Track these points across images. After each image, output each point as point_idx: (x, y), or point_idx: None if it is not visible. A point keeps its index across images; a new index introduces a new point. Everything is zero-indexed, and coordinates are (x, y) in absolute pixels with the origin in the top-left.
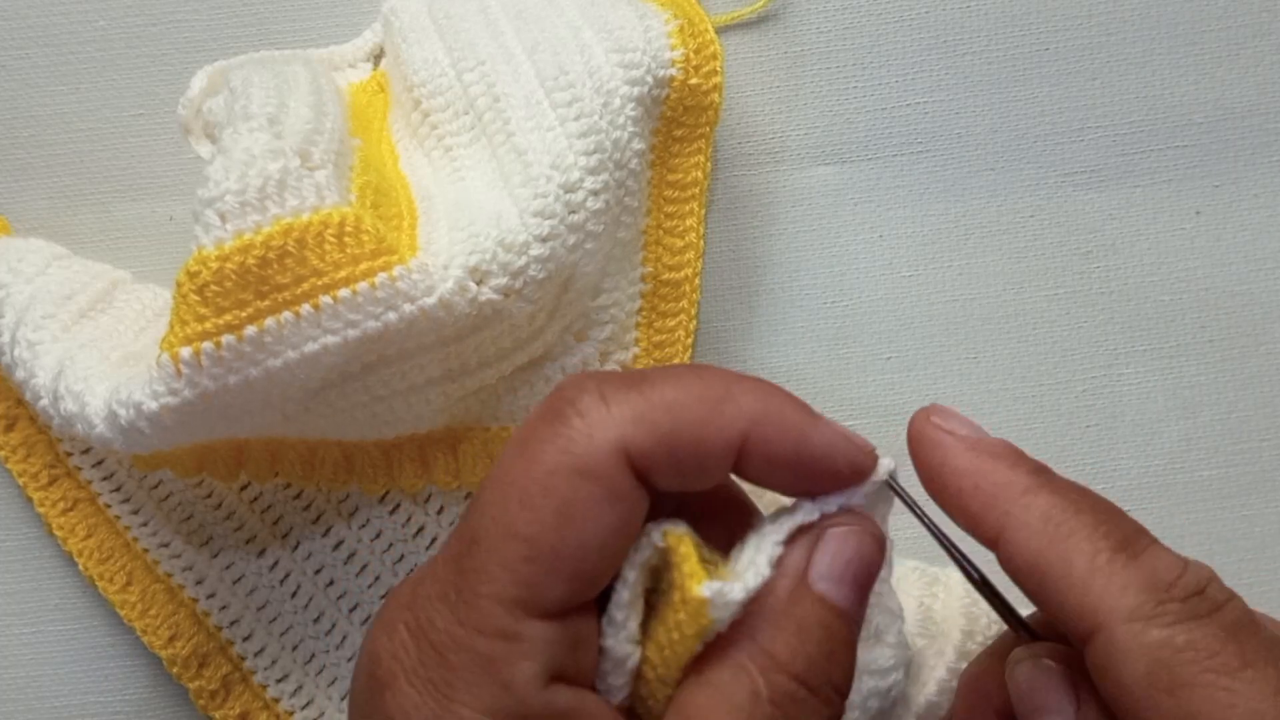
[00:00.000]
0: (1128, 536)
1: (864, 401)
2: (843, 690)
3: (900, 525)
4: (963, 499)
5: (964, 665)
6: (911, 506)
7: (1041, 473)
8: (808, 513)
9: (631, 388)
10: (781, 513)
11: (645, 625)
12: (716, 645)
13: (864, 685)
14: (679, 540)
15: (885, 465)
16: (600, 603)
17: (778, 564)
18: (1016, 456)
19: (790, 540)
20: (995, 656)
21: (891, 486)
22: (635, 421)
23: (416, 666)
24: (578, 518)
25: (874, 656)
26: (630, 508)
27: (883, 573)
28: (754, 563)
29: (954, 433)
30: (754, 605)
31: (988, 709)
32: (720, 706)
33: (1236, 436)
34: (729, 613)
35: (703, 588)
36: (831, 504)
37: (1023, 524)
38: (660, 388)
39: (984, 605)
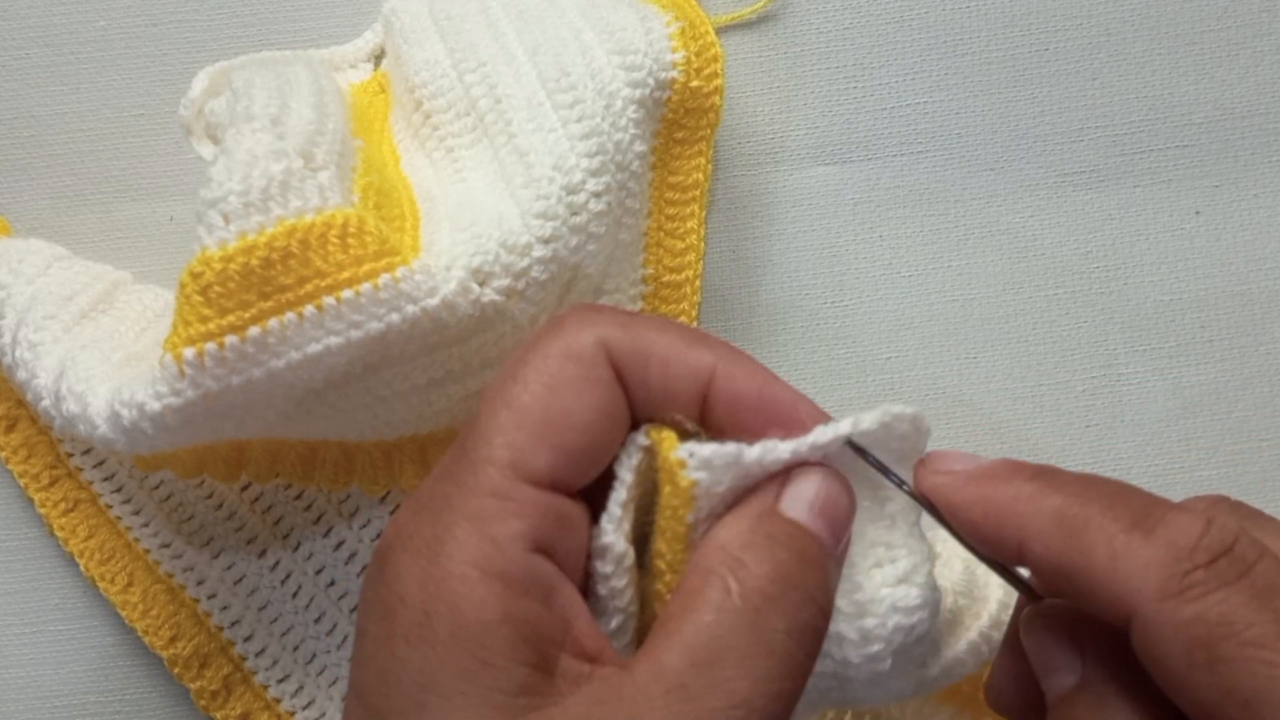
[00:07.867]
0: (1139, 513)
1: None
2: (819, 601)
3: None
4: (979, 529)
5: (996, 634)
6: (873, 463)
7: (1043, 475)
8: (782, 452)
9: (620, 312)
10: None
11: (645, 555)
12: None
13: (890, 621)
14: (660, 432)
15: (843, 425)
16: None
17: (744, 503)
18: (1014, 469)
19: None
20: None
21: (852, 445)
22: (616, 326)
23: (413, 534)
24: (561, 390)
25: (901, 594)
26: (608, 393)
27: (912, 515)
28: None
29: (950, 471)
30: (722, 535)
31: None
32: (693, 605)
33: (1236, 436)
34: (708, 474)
35: (677, 450)
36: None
37: (1037, 532)
38: (645, 318)
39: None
